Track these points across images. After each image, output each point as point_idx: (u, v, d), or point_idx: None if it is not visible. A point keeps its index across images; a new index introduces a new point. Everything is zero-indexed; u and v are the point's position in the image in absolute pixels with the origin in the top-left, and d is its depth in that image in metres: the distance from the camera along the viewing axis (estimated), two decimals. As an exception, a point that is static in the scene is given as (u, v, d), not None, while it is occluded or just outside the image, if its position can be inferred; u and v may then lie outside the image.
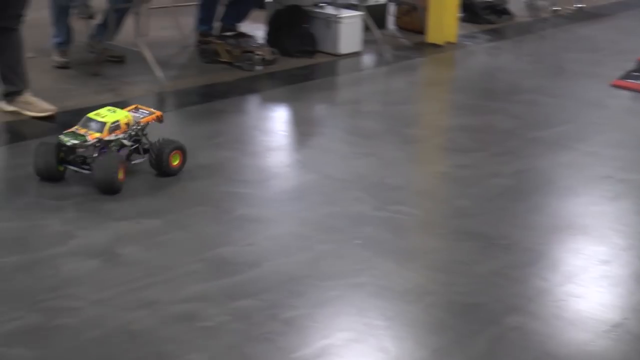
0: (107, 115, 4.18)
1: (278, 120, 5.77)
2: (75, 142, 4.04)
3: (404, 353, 2.94)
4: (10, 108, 5.09)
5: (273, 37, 7.07)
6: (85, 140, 4.05)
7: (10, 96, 5.08)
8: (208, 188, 4.27)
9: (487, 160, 4.87)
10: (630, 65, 6.79)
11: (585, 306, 3.33)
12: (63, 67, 6.21)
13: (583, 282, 3.52)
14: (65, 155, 4.13)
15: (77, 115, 5.11)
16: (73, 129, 4.12)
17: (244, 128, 5.47)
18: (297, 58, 6.94)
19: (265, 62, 6.58)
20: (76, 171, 4.14)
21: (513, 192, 4.41)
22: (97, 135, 4.08)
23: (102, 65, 6.24)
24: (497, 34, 8.38)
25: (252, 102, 6.05)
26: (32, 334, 2.89)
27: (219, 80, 6.31)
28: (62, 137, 4.06)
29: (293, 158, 4.94)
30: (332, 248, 3.67)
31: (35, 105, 5.08)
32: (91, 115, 4.17)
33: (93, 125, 4.12)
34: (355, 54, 7.24)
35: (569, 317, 3.23)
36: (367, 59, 7.27)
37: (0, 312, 3.01)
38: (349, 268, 3.49)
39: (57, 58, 6.23)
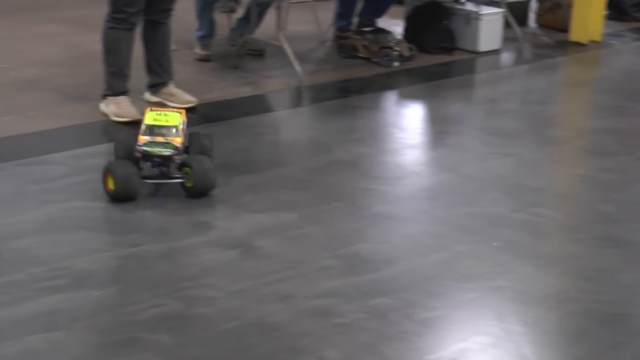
0: (167, 118, 3.96)
1: (415, 118, 5.74)
2: (171, 150, 3.84)
3: (543, 360, 2.88)
4: (155, 99, 5.23)
5: (411, 33, 7.03)
6: (176, 147, 3.87)
7: (155, 87, 5.21)
8: (344, 183, 4.28)
9: (632, 164, 4.74)
10: None
11: None
12: (204, 59, 6.33)
13: None
14: (149, 169, 3.93)
15: (217, 108, 5.27)
16: (145, 139, 3.85)
17: (381, 125, 5.46)
18: (435, 55, 6.88)
19: (402, 58, 6.55)
20: (159, 184, 3.96)
21: None
22: (178, 139, 3.91)
23: (242, 58, 6.34)
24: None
25: (389, 99, 6.03)
26: (173, 321, 2.96)
27: (356, 76, 6.31)
28: (148, 149, 3.82)
29: (429, 156, 4.91)
30: (469, 249, 3.63)
31: (178, 97, 5.20)
32: (151, 122, 3.91)
33: (164, 131, 3.89)
34: (495, 52, 7.14)
35: None
36: (507, 57, 7.16)
37: (143, 298, 3.09)
38: (487, 270, 3.44)
39: (199, 51, 6.36)
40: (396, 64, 6.50)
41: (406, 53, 6.58)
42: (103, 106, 4.98)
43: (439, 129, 5.42)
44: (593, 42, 7.49)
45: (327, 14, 7.22)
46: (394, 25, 7.32)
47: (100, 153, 4.48)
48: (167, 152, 3.80)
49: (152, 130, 3.86)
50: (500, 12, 7.18)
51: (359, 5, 7.04)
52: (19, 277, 3.20)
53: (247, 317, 2.97)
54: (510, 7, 7.42)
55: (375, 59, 6.57)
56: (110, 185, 3.74)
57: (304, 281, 3.26)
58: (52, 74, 5.86)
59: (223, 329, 2.93)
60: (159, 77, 5.18)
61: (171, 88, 5.21)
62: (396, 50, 6.53)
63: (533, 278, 3.41)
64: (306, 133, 5.20)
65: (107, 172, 3.77)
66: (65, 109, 5.14)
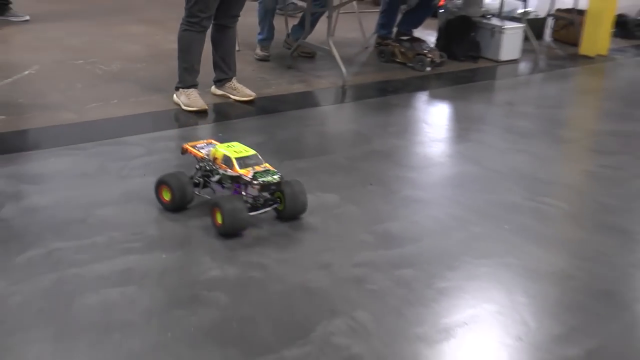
0: (242, 148, 3.45)
1: (442, 116, 5.70)
2: (278, 175, 3.36)
3: (543, 327, 2.86)
4: (220, 92, 5.26)
5: (442, 43, 7.01)
6: (276, 171, 3.41)
7: (220, 82, 5.24)
8: (379, 170, 4.27)
9: (632, 162, 4.68)
10: None
11: None
12: (263, 59, 6.35)
13: None
14: (255, 199, 3.42)
15: (272, 101, 5.29)
16: (249, 171, 3.33)
17: (413, 120, 5.44)
18: (463, 62, 6.87)
19: (434, 64, 6.54)
20: (262, 213, 3.46)
21: None
22: (269, 166, 3.42)
23: (296, 59, 6.34)
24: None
25: (421, 99, 6.00)
26: (228, 282, 2.99)
27: (394, 78, 6.30)
28: (264, 179, 3.29)
29: (454, 149, 4.87)
30: (484, 231, 3.61)
31: (240, 91, 5.22)
32: (239, 155, 3.38)
33: (255, 159, 3.40)
34: (514, 61, 7.09)
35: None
36: (525, 66, 7.10)
37: (204, 262, 3.12)
38: (499, 250, 3.43)
39: (259, 52, 6.39)
40: (428, 68, 6.49)
41: (437, 60, 6.57)
42: (175, 97, 5.03)
43: (463, 126, 5.39)
44: (600, 55, 7.43)
45: (371, 24, 7.20)
46: (428, 35, 7.30)
47: (172, 137, 4.53)
48: (277, 177, 3.33)
49: (244, 161, 3.35)
50: (521, 27, 7.13)
51: (399, 17, 7.01)
52: (100, 239, 3.24)
53: (293, 282, 2.98)
54: (530, 23, 7.38)
55: (410, 64, 6.56)
56: (219, 219, 3.26)
57: (343, 253, 3.26)
58: (134, 69, 5.91)
59: (271, 291, 2.95)
60: (224, 73, 5.21)
61: (234, 83, 5.24)
62: (429, 57, 6.52)
63: (539, 257, 3.39)
64: (348, 126, 5.19)
65: (214, 207, 3.27)
66: (143, 99, 5.19)
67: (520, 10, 7.73)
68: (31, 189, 3.71)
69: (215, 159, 3.43)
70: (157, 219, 3.47)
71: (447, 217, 3.74)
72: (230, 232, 3.26)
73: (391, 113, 5.43)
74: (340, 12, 6.72)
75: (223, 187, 3.44)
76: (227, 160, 3.37)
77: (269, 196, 3.40)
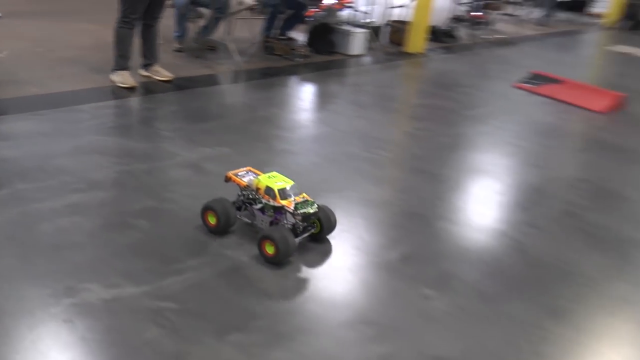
0: (281, 178, 2.83)
1: (308, 93, 5.68)
2: (315, 205, 2.78)
3: (374, 240, 2.94)
4: (145, 74, 5.06)
5: (310, 41, 6.95)
6: (314, 201, 2.82)
7: (146, 66, 5.04)
8: (263, 130, 4.24)
9: (436, 126, 4.81)
10: (525, 74, 6.66)
11: (485, 219, 3.32)
12: (179, 51, 6.13)
13: (485, 204, 3.51)
14: (295, 225, 2.76)
15: (186, 81, 5.12)
16: (290, 201, 2.73)
17: (287, 96, 5.40)
18: (324, 55, 6.82)
19: (304, 56, 6.48)
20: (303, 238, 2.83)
21: (450, 147, 4.37)
22: (306, 195, 2.83)
23: (203, 51, 6.16)
24: (449, 50, 8.18)
25: (294, 81, 5.95)
26: (149, 212, 2.92)
27: (274, 66, 6.21)
28: (306, 210, 2.72)
29: (315, 116, 4.88)
30: (333, 173, 3.66)
31: (161, 73, 5.04)
32: (279, 185, 2.76)
33: (295, 190, 2.79)
34: (360, 56, 7.11)
35: (475, 225, 3.23)
36: (367, 59, 7.13)
37: (132, 198, 3.04)
38: (344, 186, 3.48)
39: (176, 45, 6.16)
40: (299, 59, 6.42)
41: (306, 53, 6.51)
42: (112, 76, 4.80)
43: (322, 100, 5.40)
44: (419, 53, 7.54)
45: (258, 27, 7.05)
46: (300, 35, 7.19)
47: (110, 106, 4.34)
48: (315, 207, 2.75)
49: (285, 192, 2.76)
50: (366, 31, 7.15)
51: (279, 23, 6.90)
52: (54, 182, 3.10)
53: (197, 210, 2.93)
54: (372, 28, 7.41)
55: (286, 56, 6.48)
56: (269, 250, 2.62)
57: (233, 188, 3.22)
58: (82, 55, 5.59)
59: (182, 217, 2.90)
60: (149, 59, 5.01)
61: (156, 67, 5.05)
62: (300, 51, 6.46)
63: (371, 191, 3.46)
64: (240, 99, 5.10)
65: (265, 239, 2.63)
66: (89, 77, 4.92)
67: (366, 20, 7.76)
68: (1, 144, 3.48)
69: (258, 189, 2.80)
70: (98, 166, 3.34)
71: (309, 163, 3.76)
72: (283, 261, 2.62)
73: (272, 90, 5.37)
74: (236, 17, 6.53)
75: (264, 213, 2.82)
76: (269, 192, 2.76)
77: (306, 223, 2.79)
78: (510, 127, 5.03)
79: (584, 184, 3.98)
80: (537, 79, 6.60)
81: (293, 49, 6.48)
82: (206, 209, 2.80)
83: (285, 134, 4.25)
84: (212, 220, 2.79)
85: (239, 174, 2.97)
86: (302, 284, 2.53)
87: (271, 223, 2.78)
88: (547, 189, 3.82)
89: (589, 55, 9.90)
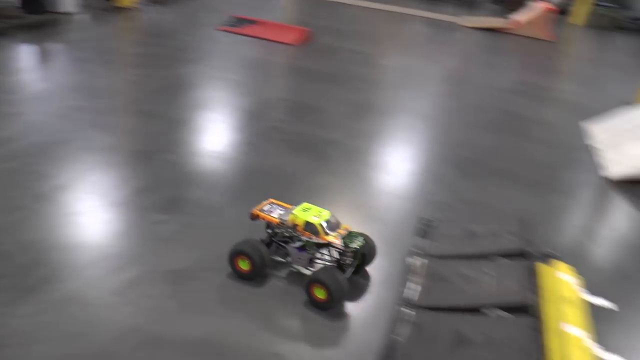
0: (318, 211, 2.28)
1: (26, 53, 4.93)
2: (362, 237, 2.29)
3: (105, 181, 2.72)
4: None
5: (22, 2, 5.89)
6: (359, 235, 2.33)
7: None
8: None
9: (153, 71, 4.69)
10: (226, 19, 6.69)
11: (206, 145, 3.30)
12: None
13: (204, 133, 3.46)
14: (339, 260, 2.29)
15: None
16: (335, 236, 2.23)
17: (3, 58, 4.60)
18: (37, 15, 5.88)
19: (15, 17, 5.51)
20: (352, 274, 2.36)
21: (168, 88, 4.35)
22: (347, 226, 2.35)
23: None
24: (159, 3, 7.73)
25: (7, 42, 5.06)
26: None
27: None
28: (355, 245, 2.21)
29: (36, 76, 4.31)
30: (65, 126, 3.39)
31: None
32: (320, 221, 2.23)
33: (332, 220, 2.28)
34: (74, 13, 6.33)
35: (198, 152, 3.19)
36: (82, 17, 6.39)
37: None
38: (74, 137, 3.29)
39: None
40: (10, 21, 5.43)
41: (17, 14, 5.54)
42: None
43: (41, 59, 4.81)
44: (131, 7, 6.99)
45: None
46: None
47: None
48: (362, 240, 2.27)
49: (328, 227, 2.25)
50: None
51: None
52: None
53: None
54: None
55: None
56: (320, 295, 2.12)
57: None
58: None
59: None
60: None
61: None
62: (9, 13, 5.44)
63: (99, 138, 3.31)
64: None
65: (315, 283, 2.12)
66: None
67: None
68: None
69: (295, 225, 2.25)
70: None
71: (37, 122, 3.41)
72: (337, 305, 2.13)
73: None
74: None
75: (301, 250, 2.27)
76: (310, 228, 2.23)
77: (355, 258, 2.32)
78: (220, 64, 5.04)
79: (285, 103, 4.19)
80: (239, 22, 6.63)
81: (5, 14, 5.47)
82: (236, 254, 2.22)
83: (7, 97, 3.79)
84: (244, 266, 2.22)
85: (264, 208, 2.37)
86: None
87: (310, 260, 2.29)
88: (256, 111, 3.93)
89: (284, 1, 10.25)
